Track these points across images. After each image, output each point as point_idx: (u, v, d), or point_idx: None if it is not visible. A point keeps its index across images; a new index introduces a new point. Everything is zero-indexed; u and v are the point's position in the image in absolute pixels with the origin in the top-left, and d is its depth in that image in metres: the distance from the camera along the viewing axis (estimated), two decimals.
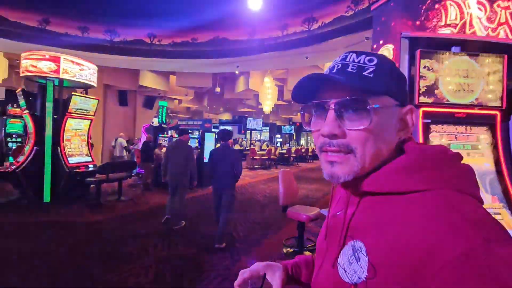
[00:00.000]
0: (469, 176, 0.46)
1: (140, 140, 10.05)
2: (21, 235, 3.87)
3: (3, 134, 8.04)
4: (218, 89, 11.99)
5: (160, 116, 9.66)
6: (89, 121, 6.27)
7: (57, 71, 5.48)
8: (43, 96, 5.73)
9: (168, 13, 7.34)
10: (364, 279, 0.42)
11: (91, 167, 6.04)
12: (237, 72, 10.95)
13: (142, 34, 7.89)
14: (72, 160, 5.77)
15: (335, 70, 0.49)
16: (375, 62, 0.48)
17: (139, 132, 12.70)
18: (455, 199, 0.41)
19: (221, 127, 22.08)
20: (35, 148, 5.45)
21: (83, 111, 6.04)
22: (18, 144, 8.18)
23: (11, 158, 7.78)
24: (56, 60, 5.49)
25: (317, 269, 0.57)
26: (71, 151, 5.87)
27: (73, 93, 5.74)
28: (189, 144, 4.70)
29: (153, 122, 9.66)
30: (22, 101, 5.50)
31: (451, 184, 0.43)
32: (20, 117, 8.32)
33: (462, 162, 0.47)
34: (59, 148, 5.63)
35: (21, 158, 5.54)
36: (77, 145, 6.06)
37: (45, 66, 5.43)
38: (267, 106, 11.47)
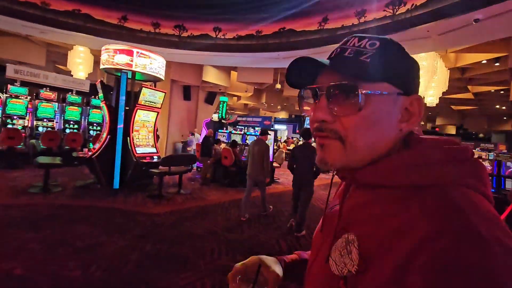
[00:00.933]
0: (478, 172, 0.42)
1: (200, 135, 10.26)
2: (89, 220, 4.00)
3: (86, 123, 8.99)
4: (278, 86, 11.54)
5: (220, 112, 9.66)
6: (156, 113, 6.44)
7: (130, 64, 5.70)
8: (118, 88, 6.05)
9: (234, 4, 7.13)
10: (354, 272, 0.40)
11: (155, 158, 6.19)
12: None
13: (208, 29, 7.87)
14: (139, 150, 5.98)
15: (333, 55, 0.48)
16: (376, 46, 0.45)
17: (199, 126, 13.09)
18: (458, 196, 0.37)
19: (276, 126, 21.78)
20: (108, 137, 5.77)
21: (151, 103, 6.21)
22: (97, 132, 9.04)
23: (91, 144, 8.65)
24: (130, 53, 5.71)
25: (311, 262, 0.56)
26: (139, 141, 6.09)
27: (143, 84, 5.92)
28: (267, 143, 4.86)
29: (212, 118, 9.69)
30: (100, 93, 5.88)
31: (457, 180, 0.40)
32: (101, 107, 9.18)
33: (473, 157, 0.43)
34: (128, 138, 5.88)
35: (97, 146, 5.95)
36: (144, 136, 6.27)
37: (120, 59, 5.68)
38: None
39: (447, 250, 0.32)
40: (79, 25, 7.35)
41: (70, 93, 8.61)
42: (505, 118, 17.80)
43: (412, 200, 0.39)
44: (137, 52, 5.80)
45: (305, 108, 0.52)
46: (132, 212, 4.53)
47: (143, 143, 6.21)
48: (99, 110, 9.14)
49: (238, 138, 8.43)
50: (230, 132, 9.00)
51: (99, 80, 5.82)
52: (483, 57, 7.77)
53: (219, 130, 9.28)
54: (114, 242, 3.38)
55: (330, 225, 0.52)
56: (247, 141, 8.41)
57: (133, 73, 5.90)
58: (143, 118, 6.19)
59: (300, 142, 4.74)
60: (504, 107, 14.59)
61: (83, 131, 8.85)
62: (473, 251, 0.31)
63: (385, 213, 0.41)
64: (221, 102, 9.75)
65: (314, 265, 0.53)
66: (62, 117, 8.45)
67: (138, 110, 5.98)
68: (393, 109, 0.45)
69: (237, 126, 10.54)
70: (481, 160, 0.43)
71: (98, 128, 9.21)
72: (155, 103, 6.31)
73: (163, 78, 6.40)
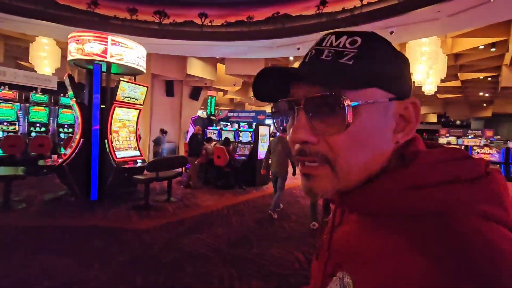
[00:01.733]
0: (496, 194, 0.33)
1: (188, 132, 9.45)
2: (61, 247, 3.21)
3: (55, 125, 7.92)
4: None
5: (208, 107, 8.89)
6: (137, 111, 5.62)
7: (104, 54, 4.83)
8: (91, 83, 5.17)
9: None
10: None
11: (139, 162, 5.40)
12: (291, 58, 9.73)
13: (193, 15, 7.06)
14: (120, 154, 5.16)
15: (307, 59, 0.40)
16: (358, 44, 0.37)
17: (186, 124, 12.20)
18: (468, 231, 0.29)
19: (267, 121, 21.22)
20: (82, 140, 4.91)
21: (131, 99, 5.38)
22: (70, 135, 8.01)
23: (62, 149, 7.63)
24: (103, 40, 4.84)
25: None
26: (118, 144, 5.26)
27: (121, 78, 5.08)
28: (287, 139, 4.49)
29: (201, 114, 8.90)
30: (70, 90, 4.98)
31: (467, 207, 0.31)
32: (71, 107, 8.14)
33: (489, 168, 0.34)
34: (106, 140, 5.04)
35: (69, 151, 5.06)
36: (125, 138, 5.44)
37: (92, 48, 4.80)
38: None
39: None
40: (39, 11, 6.29)
41: (34, 91, 7.50)
42: (485, 105, 18.28)
43: (411, 235, 0.32)
44: (112, 40, 4.94)
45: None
46: (116, 230, 3.76)
47: (124, 145, 5.38)
48: (70, 110, 8.08)
49: (230, 135, 7.74)
50: (221, 129, 8.28)
51: (67, 73, 4.91)
52: (480, 42, 7.55)
53: (209, 128, 8.53)
54: (94, 275, 2.64)
55: (322, 255, 0.45)
56: (240, 138, 7.74)
57: (108, 65, 5.04)
58: (123, 117, 5.36)
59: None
60: (487, 94, 14.86)
61: (52, 134, 7.79)
62: None
63: (382, 250, 0.34)
64: (209, 97, 8.97)
65: None
66: (26, 119, 7.35)
67: (116, 108, 5.14)
68: (386, 118, 0.37)
69: (227, 122, 9.81)
70: (497, 173, 0.34)
71: (70, 130, 8.15)
72: (136, 99, 5.48)
73: (144, 71, 5.57)
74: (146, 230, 3.81)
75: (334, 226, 0.45)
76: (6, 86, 6.97)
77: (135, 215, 4.42)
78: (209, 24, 7.09)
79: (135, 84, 5.37)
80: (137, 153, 5.56)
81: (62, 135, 7.97)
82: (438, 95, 16.07)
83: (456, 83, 12.15)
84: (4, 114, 6.96)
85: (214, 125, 8.77)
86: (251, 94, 15.67)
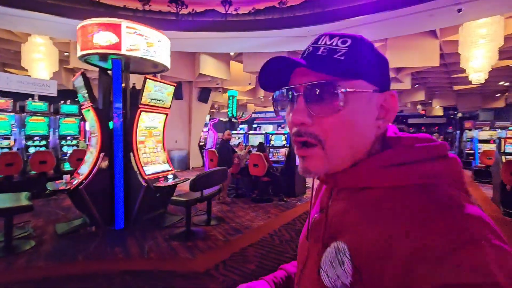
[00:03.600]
0: (457, 169, 0.42)
1: (207, 138, 8.47)
2: None
3: (57, 137, 6.82)
4: None
5: (229, 109, 7.92)
6: (164, 116, 4.64)
7: (118, 46, 3.81)
8: (104, 85, 4.17)
9: None
10: (348, 284, 0.39)
11: (170, 178, 4.41)
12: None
13: (215, 3, 6.11)
14: (148, 170, 4.16)
15: (305, 54, 0.47)
16: (348, 43, 0.44)
17: (197, 129, 11.20)
18: (443, 195, 0.38)
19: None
20: (101, 154, 3.90)
21: (158, 102, 4.39)
22: (74, 147, 6.93)
23: (67, 164, 6.56)
24: (116, 28, 3.81)
25: (299, 274, 0.54)
26: (146, 157, 4.26)
27: (147, 76, 4.08)
28: None
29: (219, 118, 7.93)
30: (83, 90, 3.95)
31: (439, 178, 0.40)
32: (75, 115, 7.06)
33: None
34: (131, 153, 4.04)
35: (83, 169, 4.04)
36: (152, 149, 4.45)
37: (103, 39, 3.79)
38: None
39: (445, 258, 0.32)
40: (35, 1, 5.24)
41: (30, 98, 6.40)
42: (498, 95, 17.79)
43: (397, 202, 0.39)
44: (127, 28, 3.91)
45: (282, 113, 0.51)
46: (164, 275, 2.78)
47: (152, 158, 4.39)
48: (72, 119, 7.01)
49: (259, 140, 6.80)
50: (247, 133, 7.32)
51: (80, 72, 3.88)
52: None
53: (233, 132, 7.56)
54: None
55: (316, 232, 0.49)
56: (271, 143, 6.81)
57: (127, 60, 4.04)
58: (149, 124, 4.37)
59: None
60: (507, 83, 14.29)
61: (54, 148, 6.70)
62: (469, 253, 0.31)
63: (373, 217, 0.40)
64: (230, 97, 8.00)
65: (303, 278, 0.51)
66: (22, 132, 6.25)
67: (142, 113, 4.15)
68: (370, 106, 0.45)
69: (245, 124, 8.86)
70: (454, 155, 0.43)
71: (74, 142, 7.08)
72: (163, 101, 4.49)
73: (169, 67, 4.58)
74: (206, 272, 2.84)
75: (327, 206, 0.50)
76: None
77: (180, 247, 3.44)
78: (234, 12, 6.14)
79: (163, 83, 4.38)
80: (166, 167, 4.57)
81: (65, 149, 6.88)
82: (454, 87, 15.50)
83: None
84: None
85: (238, 128, 7.81)
86: (261, 94, 14.77)
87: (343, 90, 0.42)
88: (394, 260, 0.34)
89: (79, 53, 3.93)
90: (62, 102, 6.88)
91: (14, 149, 6.05)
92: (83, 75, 3.83)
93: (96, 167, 3.88)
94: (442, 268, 0.31)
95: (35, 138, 6.43)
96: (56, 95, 6.84)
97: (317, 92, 0.43)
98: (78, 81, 4.01)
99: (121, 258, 3.15)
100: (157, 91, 4.30)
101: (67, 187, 3.72)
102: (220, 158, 5.67)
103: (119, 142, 3.96)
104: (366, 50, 0.44)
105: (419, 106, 19.91)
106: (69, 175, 4.12)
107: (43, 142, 6.54)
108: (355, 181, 0.44)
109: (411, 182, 0.40)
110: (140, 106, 4.07)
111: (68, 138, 7.01)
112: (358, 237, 0.40)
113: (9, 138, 6.04)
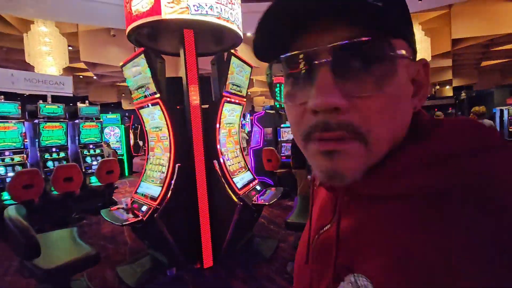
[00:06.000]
0: None
1: (252, 134, 7.30)
2: None
3: (77, 146, 5.56)
4: None
5: (278, 98, 6.74)
6: (241, 108, 3.47)
7: (157, 9, 2.60)
8: (162, 70, 2.98)
9: None
10: None
11: (258, 189, 3.28)
12: None
13: None
14: (238, 183, 3.01)
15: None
16: None
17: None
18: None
19: None
20: (177, 166, 2.73)
21: (237, 88, 3.23)
22: (99, 157, 5.69)
23: (93, 179, 5.34)
24: None
25: None
26: (230, 164, 3.11)
27: (232, 51, 2.91)
28: None
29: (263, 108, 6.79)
30: (142, 79, 2.74)
31: (505, 174, 0.27)
32: (97, 118, 5.80)
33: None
34: (217, 162, 2.89)
35: (146, 188, 2.87)
36: (233, 153, 3.30)
37: (142, 5, 2.57)
38: None
39: None
40: None
41: (41, 100, 5.10)
42: None
43: (439, 214, 0.26)
44: None
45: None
46: None
47: (235, 166, 3.24)
48: (93, 123, 5.75)
49: None
50: None
51: (142, 49, 2.65)
52: None
53: (283, 126, 6.44)
54: None
55: (322, 256, 0.36)
56: None
57: (196, 29, 2.84)
58: (228, 120, 3.20)
59: None
60: None
61: (75, 160, 5.45)
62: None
63: (406, 239, 0.27)
64: (277, 85, 6.83)
65: None
66: (36, 143, 4.99)
67: (226, 104, 2.98)
68: (408, 81, 0.31)
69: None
70: None
71: (98, 151, 5.84)
72: (240, 87, 3.32)
73: (242, 38, 3.38)
74: None
75: (338, 221, 0.35)
76: (2, 97, 4.55)
77: None
78: None
79: (244, 62, 3.21)
80: (249, 175, 3.43)
81: (88, 160, 5.64)
82: (482, 63, 14.68)
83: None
84: (4, 139, 4.57)
85: (286, 122, 6.69)
86: None
87: (397, 52, 0.28)
88: None
89: (134, 24, 2.71)
90: (80, 102, 5.61)
91: (28, 165, 4.80)
92: (146, 53, 2.61)
93: (172, 185, 2.71)
94: None
95: (52, 150, 5.17)
96: (72, 95, 5.54)
97: (352, 58, 0.28)
98: (134, 64, 2.79)
99: None
100: (237, 73, 3.13)
101: (138, 218, 2.54)
102: (295, 157, 4.53)
103: (199, 146, 2.79)
104: None
105: (437, 87, 19.06)
106: (128, 198, 2.94)
107: (62, 154, 5.28)
108: (386, 185, 0.30)
109: (462, 182, 0.27)
110: (224, 94, 2.90)
111: (91, 147, 5.75)
112: (384, 270, 0.27)
113: (21, 152, 4.77)
